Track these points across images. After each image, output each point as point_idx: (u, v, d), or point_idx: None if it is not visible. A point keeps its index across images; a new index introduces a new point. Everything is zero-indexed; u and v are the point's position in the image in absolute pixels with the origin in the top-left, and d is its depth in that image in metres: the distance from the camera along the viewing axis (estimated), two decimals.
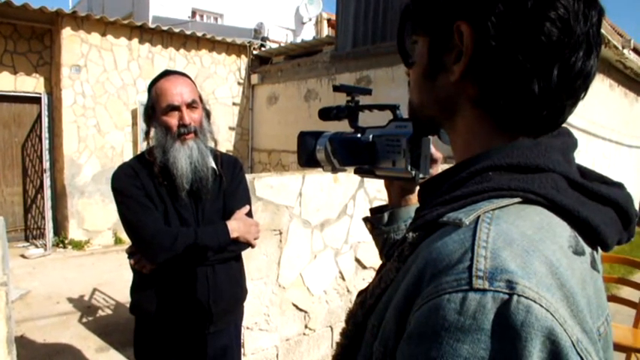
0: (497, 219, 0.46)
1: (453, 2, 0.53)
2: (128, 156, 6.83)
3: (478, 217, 0.46)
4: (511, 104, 0.51)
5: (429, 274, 0.45)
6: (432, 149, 0.79)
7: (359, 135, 0.83)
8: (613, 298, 3.10)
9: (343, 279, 3.20)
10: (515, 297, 0.39)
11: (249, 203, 1.75)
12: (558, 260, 0.43)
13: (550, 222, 0.47)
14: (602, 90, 6.48)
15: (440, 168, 0.85)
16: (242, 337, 2.55)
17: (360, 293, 0.65)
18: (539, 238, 0.44)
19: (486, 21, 0.49)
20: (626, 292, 3.96)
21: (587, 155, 6.02)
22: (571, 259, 0.45)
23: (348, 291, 3.24)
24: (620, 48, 5.83)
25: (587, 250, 0.49)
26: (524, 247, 0.43)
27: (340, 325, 3.23)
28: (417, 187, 0.86)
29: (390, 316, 0.50)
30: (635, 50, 6.44)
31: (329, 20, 12.55)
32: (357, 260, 3.26)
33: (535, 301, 0.39)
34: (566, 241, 0.46)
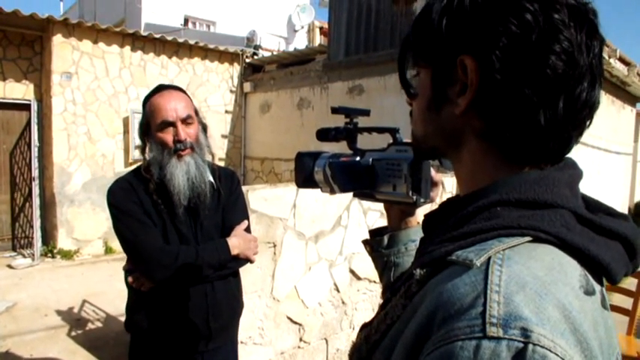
0: (509, 260, 0.45)
1: (455, 36, 0.53)
2: (119, 164, 6.78)
3: (489, 258, 0.45)
4: (517, 136, 0.51)
5: (440, 318, 0.44)
6: (433, 172, 0.78)
7: (358, 158, 0.82)
8: None
9: (338, 291, 3.18)
10: (530, 346, 0.38)
11: (247, 218, 1.73)
12: (571, 303, 0.43)
13: (561, 262, 0.47)
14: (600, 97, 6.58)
15: (440, 191, 0.84)
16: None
17: (364, 327, 0.64)
18: (551, 280, 0.43)
19: (491, 55, 0.49)
20: (617, 298, 3.99)
21: (578, 162, 6.07)
22: (583, 300, 0.45)
23: (343, 303, 3.22)
24: (607, 57, 5.92)
25: (597, 288, 0.49)
26: (537, 290, 0.42)
27: (335, 337, 3.22)
28: (418, 211, 0.86)
29: (399, 354, 0.49)
30: (620, 60, 6.55)
31: (321, 28, 12.61)
32: (352, 271, 3.25)
33: (550, 350, 0.38)
34: (577, 282, 0.46)
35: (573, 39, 0.48)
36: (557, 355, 0.38)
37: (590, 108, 0.52)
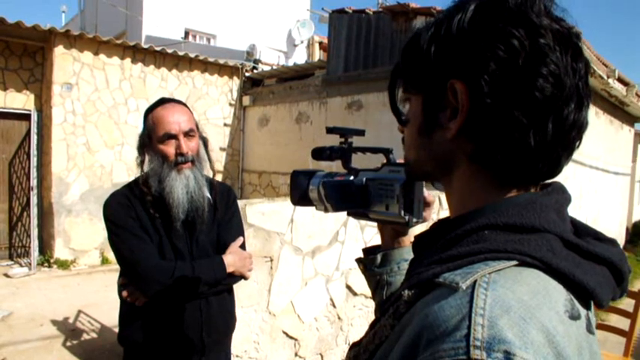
0: (494, 283, 0.45)
1: (444, 62, 0.54)
2: (118, 175, 6.78)
3: (475, 281, 0.46)
4: (508, 158, 0.52)
5: (426, 339, 0.44)
6: (425, 193, 0.80)
7: (352, 177, 0.83)
8: (602, 326, 3.11)
9: (334, 306, 3.17)
10: None
11: (243, 234, 1.73)
12: (555, 328, 0.43)
13: (546, 286, 0.47)
14: (588, 118, 6.60)
15: (433, 211, 0.86)
16: None
17: (353, 346, 0.65)
18: (535, 305, 0.44)
19: (479, 79, 0.50)
20: (614, 318, 3.98)
21: (575, 181, 6.10)
22: (567, 325, 0.45)
23: (339, 318, 3.22)
24: (605, 77, 5.98)
25: (583, 312, 0.49)
26: (521, 314, 0.42)
27: (330, 352, 3.19)
28: (410, 231, 0.87)
29: None
30: (619, 80, 6.61)
31: (321, 43, 12.71)
32: (348, 287, 3.24)
33: None
34: (562, 306, 0.47)
35: (559, 62, 0.50)
36: None
37: (578, 129, 0.53)
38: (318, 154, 0.87)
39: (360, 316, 3.35)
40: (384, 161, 0.82)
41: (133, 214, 1.55)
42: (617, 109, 7.92)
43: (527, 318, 0.42)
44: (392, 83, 0.66)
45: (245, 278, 1.66)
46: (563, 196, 0.56)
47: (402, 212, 0.74)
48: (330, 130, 0.86)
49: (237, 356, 2.59)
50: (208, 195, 1.65)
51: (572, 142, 0.53)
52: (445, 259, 0.52)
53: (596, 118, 7.03)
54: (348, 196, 0.79)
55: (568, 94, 0.50)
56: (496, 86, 0.50)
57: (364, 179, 0.81)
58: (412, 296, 0.52)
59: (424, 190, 0.78)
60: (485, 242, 0.50)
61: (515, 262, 0.48)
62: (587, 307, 0.52)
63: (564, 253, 0.51)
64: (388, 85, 0.66)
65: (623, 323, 3.09)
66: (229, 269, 1.57)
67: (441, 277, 0.49)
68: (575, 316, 0.47)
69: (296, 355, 2.99)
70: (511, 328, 0.41)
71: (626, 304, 4.02)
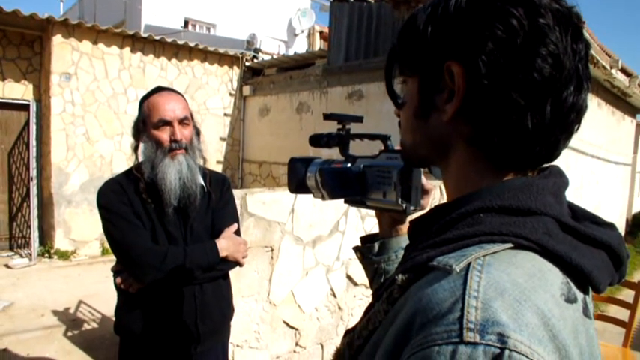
0: (489, 266, 0.45)
1: (441, 43, 0.53)
2: (117, 165, 6.77)
3: (469, 263, 0.45)
4: (505, 141, 0.51)
5: (419, 323, 0.44)
6: (424, 180, 0.78)
7: (349, 164, 0.82)
8: (601, 317, 3.11)
9: (334, 296, 3.18)
10: (506, 351, 0.38)
11: (237, 221, 1.73)
12: (550, 310, 0.43)
13: (542, 269, 0.47)
14: (590, 108, 6.50)
15: (431, 199, 0.85)
16: (232, 355, 2.52)
17: (348, 332, 0.64)
18: (531, 287, 0.43)
19: (477, 60, 0.49)
20: (613, 309, 3.99)
21: (576, 172, 6.09)
22: (563, 307, 0.45)
23: (340, 308, 3.22)
24: (608, 68, 5.94)
25: (580, 296, 0.49)
26: (516, 296, 0.42)
27: (331, 342, 3.21)
28: (408, 219, 0.86)
29: (380, 359, 0.49)
30: (622, 70, 6.57)
31: (321, 33, 12.64)
32: (349, 277, 3.25)
33: (527, 356, 0.38)
34: (558, 289, 0.46)
35: (559, 42, 0.48)
36: None
37: (577, 112, 0.52)
38: (316, 141, 0.86)
39: (360, 305, 3.36)
40: (382, 148, 0.81)
41: (126, 199, 1.55)
42: (619, 100, 7.89)
43: (521, 300, 0.42)
44: (388, 66, 0.64)
45: (240, 264, 1.66)
46: (560, 180, 0.55)
47: (400, 200, 0.73)
48: (327, 117, 0.85)
49: (237, 345, 2.60)
50: (202, 182, 1.65)
51: (570, 125, 0.52)
52: (439, 242, 0.51)
53: (599, 109, 7.00)
54: (345, 184, 0.78)
55: (567, 75, 0.49)
56: (494, 67, 0.49)
57: (361, 166, 0.80)
58: (406, 280, 0.52)
59: (422, 177, 0.77)
60: (480, 225, 0.50)
61: (510, 245, 0.47)
62: (585, 292, 0.51)
63: (561, 236, 0.50)
64: (384, 68, 0.64)
65: (622, 314, 3.09)
66: (222, 253, 1.57)
67: (435, 261, 0.48)
68: (571, 299, 0.47)
69: (296, 344, 3.00)
70: (505, 310, 0.41)
71: (625, 294, 4.03)
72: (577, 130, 0.54)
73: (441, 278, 0.46)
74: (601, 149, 7.28)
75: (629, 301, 3.02)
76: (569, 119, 0.51)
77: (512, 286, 0.43)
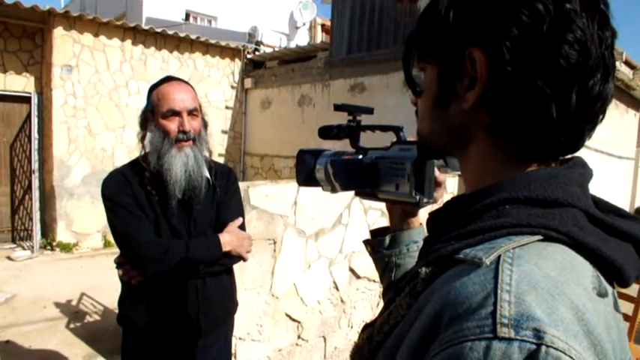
0: (519, 259, 0.43)
1: (463, 28, 0.51)
2: (119, 158, 6.76)
3: (499, 256, 0.44)
4: (528, 130, 0.49)
5: (448, 317, 0.42)
6: (436, 172, 0.77)
7: (360, 156, 0.81)
8: None
9: (337, 289, 3.17)
10: (543, 347, 0.37)
11: (243, 215, 1.71)
12: (584, 305, 0.41)
13: (573, 262, 0.45)
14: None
15: (444, 192, 0.83)
16: (234, 348, 2.52)
17: (366, 327, 0.63)
18: (563, 280, 0.42)
19: (501, 46, 0.48)
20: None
21: (587, 162, 6.06)
22: (595, 302, 0.44)
23: (342, 301, 3.22)
24: None
25: (610, 290, 0.47)
26: (549, 290, 0.40)
27: (333, 335, 3.21)
28: (421, 211, 0.85)
29: (403, 355, 0.48)
30: (626, 63, 6.52)
31: (323, 25, 12.57)
32: (352, 270, 3.24)
33: (565, 353, 0.37)
34: (590, 283, 0.45)
35: (586, 28, 0.47)
36: (571, 357, 0.37)
37: (603, 101, 0.50)
38: (326, 132, 0.85)
39: (363, 299, 3.35)
40: (395, 140, 0.79)
41: (129, 190, 1.54)
42: (622, 93, 7.83)
43: (555, 294, 0.40)
44: (406, 53, 0.63)
45: (244, 259, 1.64)
46: (585, 170, 0.54)
47: (413, 192, 0.72)
48: (338, 108, 0.83)
49: (240, 338, 2.60)
50: (207, 175, 1.63)
51: (596, 114, 0.51)
52: (465, 234, 0.49)
53: None
54: (357, 175, 0.77)
55: (594, 63, 0.48)
56: (518, 53, 0.47)
57: (374, 157, 0.78)
58: (430, 274, 0.50)
59: (435, 169, 0.76)
60: (507, 217, 0.48)
61: (539, 237, 0.46)
62: (612, 285, 0.50)
63: (590, 228, 0.48)
64: (402, 55, 0.62)
65: (626, 308, 3.08)
66: (225, 248, 1.55)
67: (462, 253, 0.47)
68: (602, 294, 0.45)
69: (299, 337, 3.00)
70: (539, 305, 0.39)
71: (629, 288, 4.02)
72: (602, 120, 0.52)
73: (469, 271, 0.44)
74: (604, 143, 7.25)
75: (633, 295, 3.02)
76: (594, 108, 0.50)
77: (545, 280, 0.41)
